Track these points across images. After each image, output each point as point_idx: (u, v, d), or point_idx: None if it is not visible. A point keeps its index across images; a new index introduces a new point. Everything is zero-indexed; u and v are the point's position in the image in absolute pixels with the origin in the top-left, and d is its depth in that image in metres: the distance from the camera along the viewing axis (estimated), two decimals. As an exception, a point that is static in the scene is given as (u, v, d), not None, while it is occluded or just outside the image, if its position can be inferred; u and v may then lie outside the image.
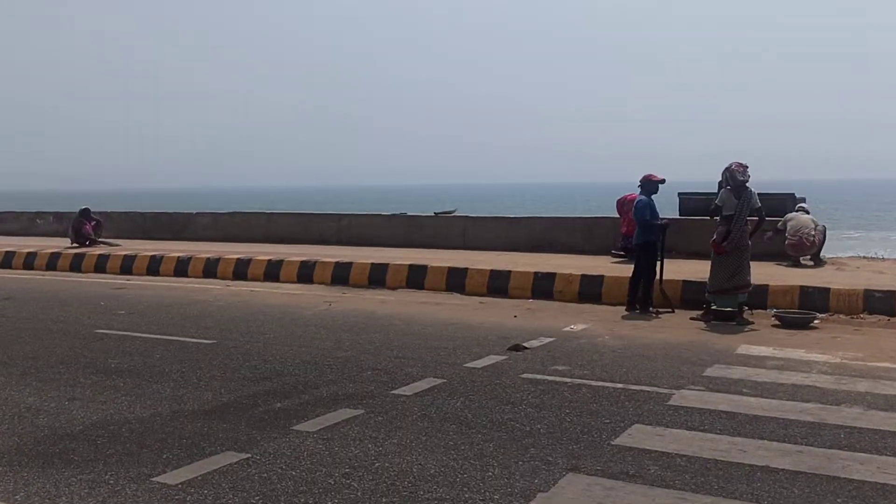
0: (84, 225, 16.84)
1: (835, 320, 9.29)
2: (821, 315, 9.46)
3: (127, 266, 14.73)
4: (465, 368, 6.77)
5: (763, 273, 10.90)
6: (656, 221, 10.04)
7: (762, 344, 7.93)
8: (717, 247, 9.37)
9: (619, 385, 6.17)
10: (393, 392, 5.95)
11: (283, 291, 12.11)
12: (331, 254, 14.20)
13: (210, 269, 13.96)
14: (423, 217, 16.17)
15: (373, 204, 78.24)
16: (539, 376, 6.48)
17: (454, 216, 16.12)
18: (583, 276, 11.20)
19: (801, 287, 9.95)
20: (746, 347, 7.73)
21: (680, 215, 14.16)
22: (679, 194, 14.49)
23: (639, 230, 10.14)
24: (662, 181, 10.21)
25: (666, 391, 5.99)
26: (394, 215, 16.53)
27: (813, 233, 12.23)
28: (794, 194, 13.61)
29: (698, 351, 7.55)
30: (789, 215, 12.64)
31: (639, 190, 10.27)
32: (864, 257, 17.40)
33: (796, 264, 12.26)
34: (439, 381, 6.31)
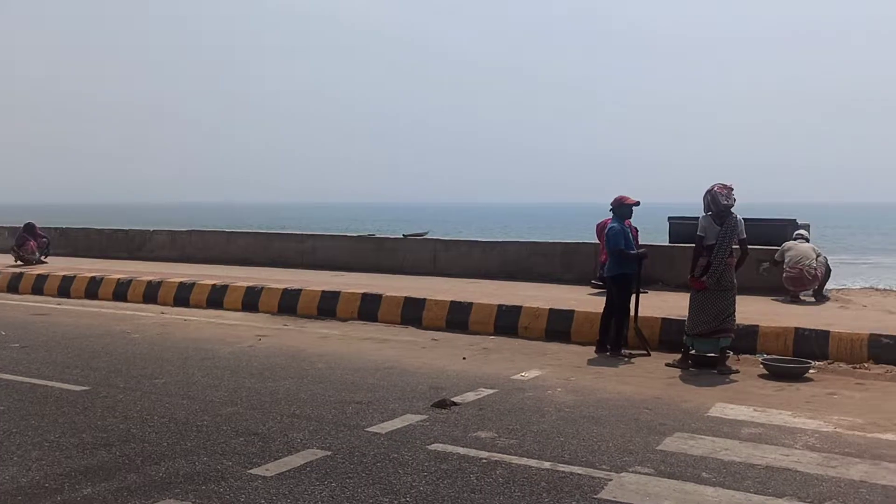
0: (27, 241, 15.70)
1: (833, 370, 7.93)
2: (818, 363, 8.12)
3: (65, 288, 13.54)
4: (366, 434, 5.48)
5: (755, 311, 9.58)
6: (631, 251, 8.74)
7: (742, 402, 6.60)
8: (696, 282, 8.05)
9: (547, 465, 4.86)
10: (251, 471, 4.66)
11: (220, 322, 10.86)
12: (285, 278, 12.96)
13: (151, 293, 12.74)
14: (392, 240, 14.90)
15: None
16: (451, 448, 5.17)
17: (424, 239, 14.87)
18: (551, 310, 9.89)
19: (797, 329, 8.58)
20: (722, 407, 6.39)
21: (670, 241, 12.85)
22: (669, 218, 13.16)
23: (611, 261, 8.84)
24: (636, 204, 8.92)
25: (602, 475, 4.67)
26: (360, 237, 15.27)
27: (814, 264, 10.85)
28: (795, 220, 12.25)
29: (662, 412, 6.22)
30: (787, 244, 11.28)
31: (610, 215, 8.99)
32: (877, 289, 16.05)
33: (795, 300, 10.88)
34: (322, 453, 5.03)
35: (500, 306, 10.20)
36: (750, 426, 5.81)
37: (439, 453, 5.06)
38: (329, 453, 5.03)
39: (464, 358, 8.42)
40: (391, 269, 14.15)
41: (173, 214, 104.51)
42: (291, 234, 16.13)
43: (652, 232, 16.37)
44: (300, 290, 11.67)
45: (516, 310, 10.07)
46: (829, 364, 8.12)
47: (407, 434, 5.49)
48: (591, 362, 8.32)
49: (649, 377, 7.61)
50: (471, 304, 10.41)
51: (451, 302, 10.54)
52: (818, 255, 10.99)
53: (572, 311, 9.74)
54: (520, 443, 5.31)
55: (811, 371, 7.84)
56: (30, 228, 16.03)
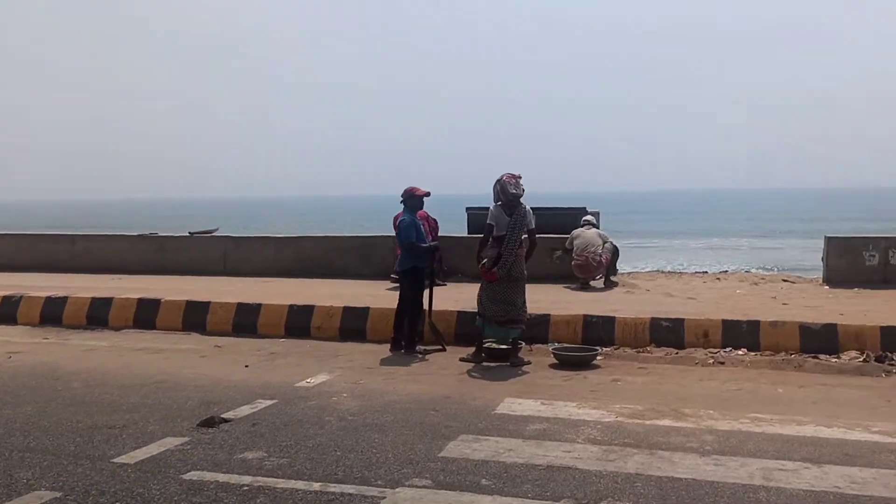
0: None
1: (619, 355, 8.09)
2: (606, 349, 8.27)
3: None
4: (111, 466, 4.72)
5: (547, 299, 9.65)
6: (423, 244, 8.46)
7: (530, 395, 6.48)
8: (486, 273, 7.89)
9: (317, 486, 4.37)
10: (-54, 530, 3.82)
11: (-35, 338, 9.41)
12: (51, 284, 11.53)
13: None
14: (176, 238, 13.76)
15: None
16: (211, 475, 4.55)
17: (213, 237, 13.88)
18: (345, 308, 9.42)
19: (585, 316, 8.71)
20: (510, 403, 6.22)
21: (468, 232, 12.80)
22: (467, 209, 13.12)
23: (403, 254, 8.51)
24: (427, 194, 8.64)
25: (376, 492, 4.26)
26: (140, 236, 13.96)
27: (600, 251, 11.16)
28: (584, 208, 12.61)
29: (450, 412, 5.94)
30: (576, 232, 11.51)
31: (402, 207, 8.65)
32: (663, 272, 17.04)
33: (585, 287, 11.16)
34: (51, 495, 4.23)
35: (290, 306, 9.58)
36: (535, 422, 5.66)
37: (195, 483, 4.42)
38: (59, 495, 4.25)
39: (246, 366, 7.75)
40: (177, 270, 13.05)
41: None
42: (61, 234, 14.45)
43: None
44: (66, 298, 10.38)
45: (308, 309, 9.50)
46: (615, 350, 8.29)
47: (161, 462, 4.79)
48: (384, 362, 7.95)
49: (442, 374, 7.36)
50: (259, 305, 9.71)
51: (238, 304, 9.78)
52: (605, 242, 11.31)
53: (367, 309, 9.33)
54: (291, 462, 4.79)
55: (599, 358, 7.96)
56: None
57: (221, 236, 13.91)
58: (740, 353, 7.98)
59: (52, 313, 10.26)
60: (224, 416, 5.81)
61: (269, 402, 6.26)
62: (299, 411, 6.00)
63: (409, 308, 8.47)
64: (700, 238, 48.95)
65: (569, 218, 12.20)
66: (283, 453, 4.95)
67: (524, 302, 7.92)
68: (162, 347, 8.77)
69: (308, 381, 7.06)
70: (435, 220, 11.61)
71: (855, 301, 9.55)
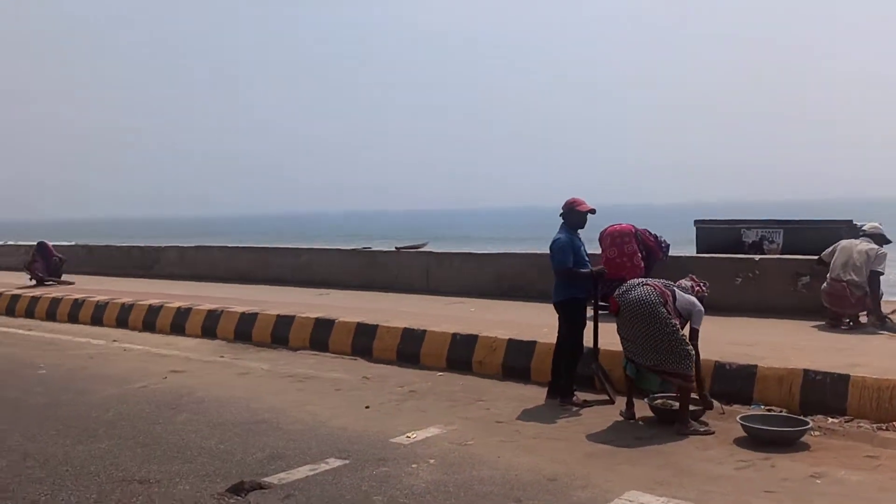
0: (35, 261, 15.33)
1: (846, 432, 5.76)
2: (833, 420, 5.98)
3: (52, 310, 12.96)
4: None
5: (768, 342, 7.46)
6: (582, 269, 6.85)
7: (668, 489, 4.66)
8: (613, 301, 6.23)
9: None
10: None
11: (160, 351, 9.70)
12: (259, 299, 11.72)
13: (122, 317, 11.85)
14: (384, 253, 13.35)
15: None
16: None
17: (417, 252, 13.25)
18: (510, 341, 8.08)
19: (806, 371, 6.41)
20: (627, 500, 4.49)
21: (697, 252, 10.64)
22: (696, 222, 10.92)
23: (557, 283, 6.97)
24: (592, 211, 6.98)
25: None
26: (354, 251, 13.80)
27: (858, 279, 8.20)
28: (851, 220, 9.71)
29: (535, 507, 4.41)
30: (840, 244, 8.64)
31: (561, 223, 7.10)
32: None
33: (835, 325, 8.45)
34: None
35: (453, 336, 8.47)
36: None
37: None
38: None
39: (367, 407, 6.79)
40: (384, 286, 12.59)
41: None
42: (287, 248, 14.90)
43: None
44: (256, 315, 10.38)
45: (471, 340, 8.32)
46: (844, 423, 5.95)
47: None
48: (524, 414, 6.51)
49: (577, 440, 5.75)
50: (424, 332, 8.74)
51: (403, 329, 8.92)
52: (873, 259, 8.36)
53: (533, 343, 7.90)
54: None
55: (813, 434, 5.74)
56: (40, 248, 15.67)
57: (425, 252, 13.27)
58: None
59: (244, 329, 10.31)
60: (266, 480, 4.89)
61: (338, 463, 5.22)
62: (355, 482, 4.87)
63: (568, 349, 6.92)
64: None
65: (827, 233, 9.51)
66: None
67: (679, 346, 5.93)
68: (313, 375, 8.19)
69: (410, 434, 5.90)
70: (655, 236, 9.72)
71: None
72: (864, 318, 8.49)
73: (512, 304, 10.67)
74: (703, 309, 6.26)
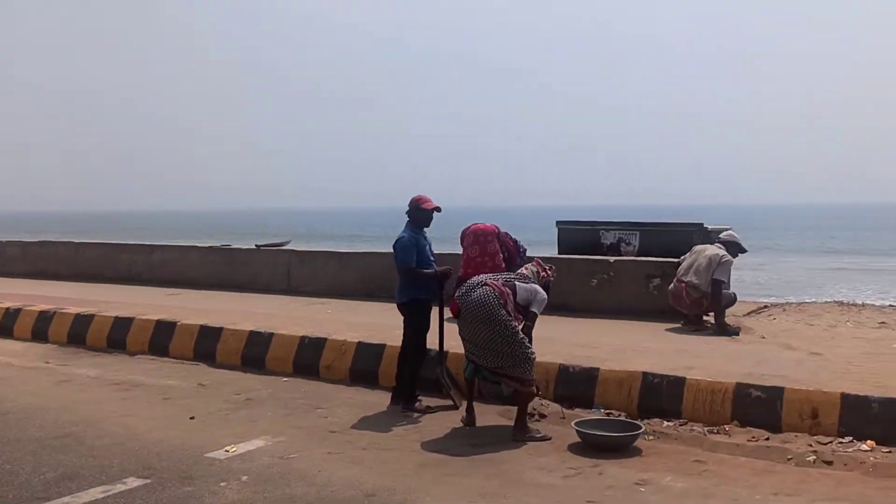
0: None
1: (679, 436, 5.72)
2: (668, 423, 5.95)
3: None
4: None
5: (614, 344, 7.43)
6: (426, 269, 6.58)
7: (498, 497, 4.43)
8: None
9: None
10: None
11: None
12: (104, 299, 10.88)
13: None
14: (243, 251, 12.73)
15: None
16: None
17: (278, 250, 12.72)
18: (359, 344, 7.74)
19: (645, 375, 6.37)
20: (445, 516, 4.23)
21: (559, 252, 10.62)
22: (557, 223, 10.91)
23: (400, 283, 6.69)
24: (437, 209, 6.72)
25: None
26: (211, 248, 13.10)
27: (697, 281, 8.34)
28: (702, 224, 9.91)
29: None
30: (695, 248, 8.79)
31: (406, 221, 6.81)
32: (840, 303, 13.78)
33: (689, 326, 8.53)
34: None
35: (301, 339, 8.04)
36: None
37: None
38: None
39: (192, 418, 6.27)
40: (242, 286, 12.00)
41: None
42: (140, 245, 13.99)
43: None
44: (93, 316, 9.59)
45: (320, 343, 7.91)
46: (679, 426, 5.92)
47: None
48: (363, 422, 6.18)
49: (409, 450, 5.46)
50: (271, 335, 8.26)
51: (250, 332, 8.41)
52: (719, 262, 8.50)
53: (383, 346, 7.58)
54: None
55: (648, 439, 5.68)
56: None
57: (287, 250, 12.75)
58: (864, 447, 5.32)
59: (78, 333, 9.50)
60: (46, 505, 4.35)
61: (137, 483, 4.73)
62: (152, 504, 4.39)
63: (411, 351, 6.64)
64: None
65: (679, 236, 9.67)
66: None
67: (519, 349, 5.74)
68: (143, 382, 7.57)
69: (230, 448, 5.45)
70: (515, 240, 9.57)
71: None
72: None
73: (375, 306, 10.31)
74: (545, 296, 6.05)
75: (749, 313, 11.15)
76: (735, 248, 8.64)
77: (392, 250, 6.70)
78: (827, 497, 4.58)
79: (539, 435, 5.72)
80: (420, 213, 6.65)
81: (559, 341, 7.63)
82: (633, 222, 10.25)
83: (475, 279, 5.97)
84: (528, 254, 9.51)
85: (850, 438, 5.44)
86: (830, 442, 5.43)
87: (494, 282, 5.85)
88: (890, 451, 5.23)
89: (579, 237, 10.40)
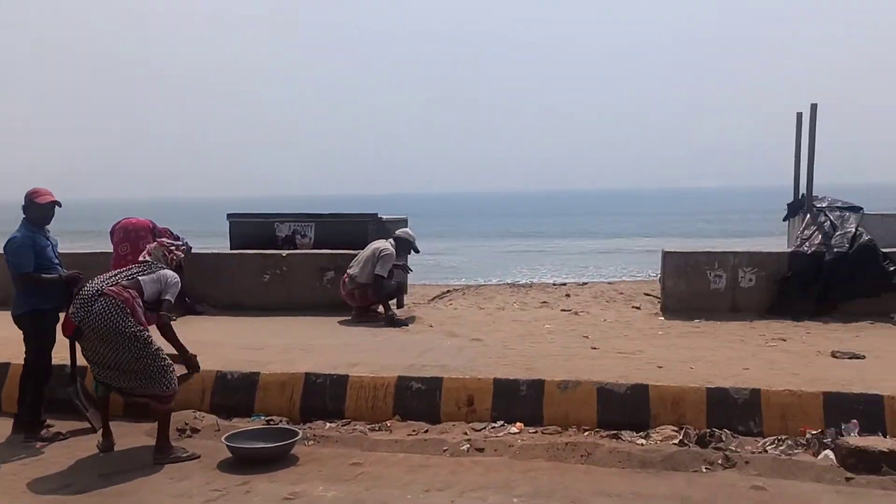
0: None
1: (340, 438, 5.45)
2: (331, 425, 5.66)
3: None
4: None
5: (282, 344, 6.99)
6: (48, 274, 5.57)
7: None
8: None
9: None
10: None
11: None
12: None
13: None
14: None
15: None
16: None
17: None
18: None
19: (308, 375, 6.02)
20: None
21: (231, 247, 9.95)
22: (229, 216, 10.23)
23: (18, 293, 5.62)
24: (56, 203, 5.71)
25: None
26: None
27: (356, 273, 8.26)
28: (377, 215, 9.85)
29: None
30: (373, 242, 8.68)
31: (23, 219, 5.73)
32: (512, 285, 14.77)
33: (368, 318, 8.36)
34: None
35: None
36: None
37: None
38: None
39: None
40: None
41: None
42: None
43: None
44: None
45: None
46: (342, 427, 5.67)
47: None
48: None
49: (12, 494, 4.53)
50: None
51: None
52: (377, 261, 8.43)
53: (6, 365, 6.39)
54: None
55: (308, 443, 5.33)
56: None
57: None
58: (514, 430, 5.47)
59: None
60: None
61: None
62: None
63: (34, 371, 5.61)
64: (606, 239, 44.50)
65: (355, 227, 9.52)
66: None
67: (154, 363, 5.06)
68: None
69: None
70: (177, 236, 8.69)
71: (688, 341, 7.20)
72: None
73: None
74: (177, 278, 5.35)
75: (434, 298, 11.47)
76: (405, 246, 8.67)
77: (4, 252, 5.60)
78: (475, 486, 4.56)
79: (185, 454, 5.09)
80: (36, 209, 5.61)
81: (225, 345, 7.05)
82: (309, 213, 9.90)
83: (89, 288, 5.04)
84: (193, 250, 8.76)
85: (502, 423, 5.57)
86: (484, 428, 5.52)
87: (113, 287, 5.02)
88: (536, 432, 5.43)
89: (252, 230, 9.81)
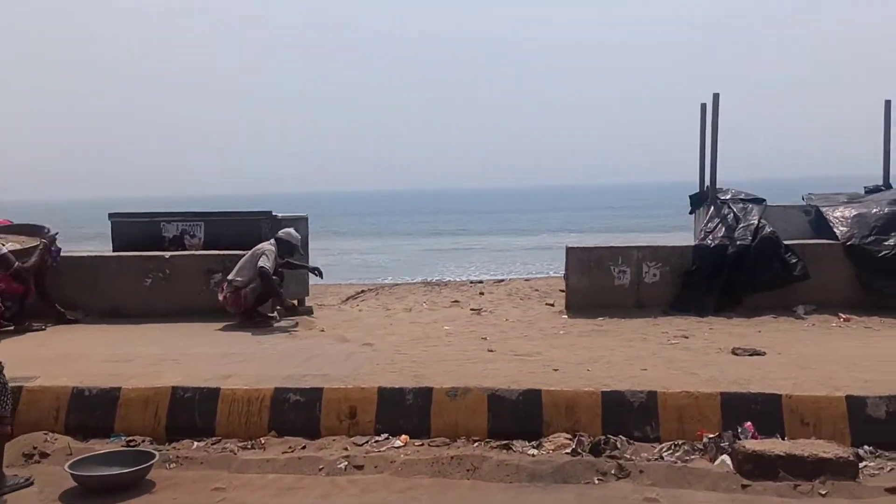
0: None
1: (205, 458, 4.93)
2: (199, 444, 5.13)
3: None
4: None
5: (154, 354, 6.40)
6: None
7: None
8: None
9: None
10: None
11: None
12: None
13: None
14: None
15: None
16: None
17: None
18: None
19: (174, 389, 5.47)
20: None
21: (114, 249, 9.21)
22: (110, 215, 9.47)
23: None
24: None
25: None
26: None
27: (234, 277, 7.79)
28: (271, 212, 9.24)
29: None
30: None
31: None
32: (428, 282, 14.46)
33: (250, 323, 7.83)
34: None
35: None
36: None
37: None
38: None
39: None
40: None
41: None
42: None
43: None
44: None
45: None
46: (211, 446, 5.15)
47: None
48: None
49: None
50: None
51: None
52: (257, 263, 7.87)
53: None
54: None
55: (170, 467, 4.80)
56: None
57: None
58: (398, 443, 5.05)
59: None
60: None
61: None
62: None
63: None
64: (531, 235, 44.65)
65: (247, 225, 8.93)
66: None
67: None
68: None
69: None
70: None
71: (588, 341, 6.92)
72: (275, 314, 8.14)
73: None
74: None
75: (347, 299, 11.02)
76: (286, 247, 8.15)
77: None
78: (348, 511, 4.14)
79: (21, 482, 4.50)
80: None
81: (89, 357, 6.43)
82: (198, 212, 9.25)
83: None
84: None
85: (386, 436, 5.15)
86: (366, 442, 5.09)
87: None
88: (422, 445, 5.03)
89: (137, 231, 9.10)
